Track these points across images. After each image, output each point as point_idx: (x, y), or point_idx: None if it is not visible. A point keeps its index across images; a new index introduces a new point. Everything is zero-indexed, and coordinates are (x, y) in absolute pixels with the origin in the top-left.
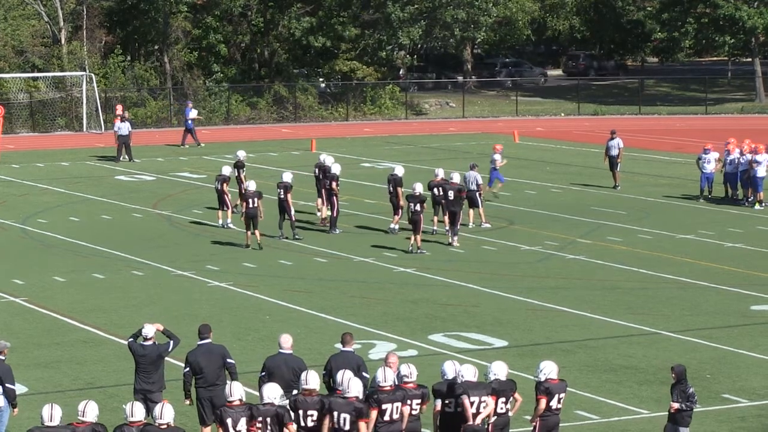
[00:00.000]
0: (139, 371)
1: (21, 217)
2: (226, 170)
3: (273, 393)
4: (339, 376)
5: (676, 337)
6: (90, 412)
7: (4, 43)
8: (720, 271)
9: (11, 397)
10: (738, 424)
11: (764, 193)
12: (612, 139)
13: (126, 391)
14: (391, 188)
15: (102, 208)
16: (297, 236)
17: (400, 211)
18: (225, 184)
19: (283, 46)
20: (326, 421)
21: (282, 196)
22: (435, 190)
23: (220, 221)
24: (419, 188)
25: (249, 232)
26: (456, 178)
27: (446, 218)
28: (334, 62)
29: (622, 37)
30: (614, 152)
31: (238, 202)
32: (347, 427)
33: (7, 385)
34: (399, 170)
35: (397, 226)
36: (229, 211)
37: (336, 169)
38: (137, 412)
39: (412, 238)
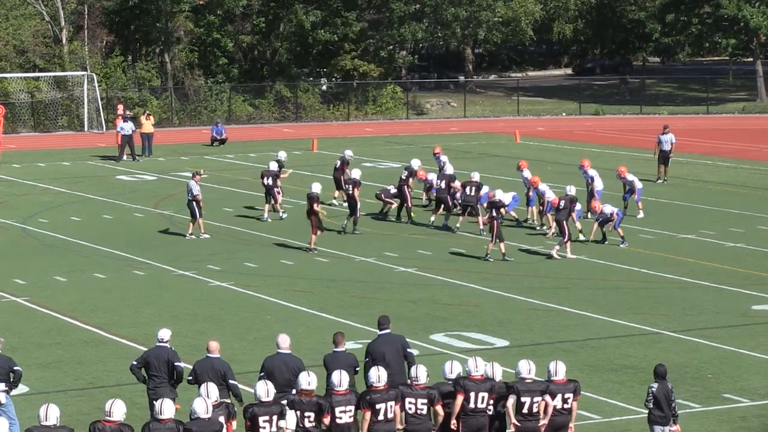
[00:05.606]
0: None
1: (22, 216)
2: (274, 166)
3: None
4: (336, 376)
5: (677, 337)
6: (117, 411)
7: (5, 42)
8: (721, 270)
9: (17, 377)
10: (739, 424)
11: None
12: (665, 133)
13: (127, 390)
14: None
15: (103, 208)
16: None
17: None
18: (277, 179)
19: (285, 45)
20: (397, 409)
21: (350, 192)
22: (467, 189)
23: (266, 215)
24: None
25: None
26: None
27: (481, 218)
28: (337, 60)
29: (623, 37)
30: (667, 147)
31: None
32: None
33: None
34: (475, 175)
35: (459, 225)
36: (277, 205)
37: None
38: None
39: (489, 245)
